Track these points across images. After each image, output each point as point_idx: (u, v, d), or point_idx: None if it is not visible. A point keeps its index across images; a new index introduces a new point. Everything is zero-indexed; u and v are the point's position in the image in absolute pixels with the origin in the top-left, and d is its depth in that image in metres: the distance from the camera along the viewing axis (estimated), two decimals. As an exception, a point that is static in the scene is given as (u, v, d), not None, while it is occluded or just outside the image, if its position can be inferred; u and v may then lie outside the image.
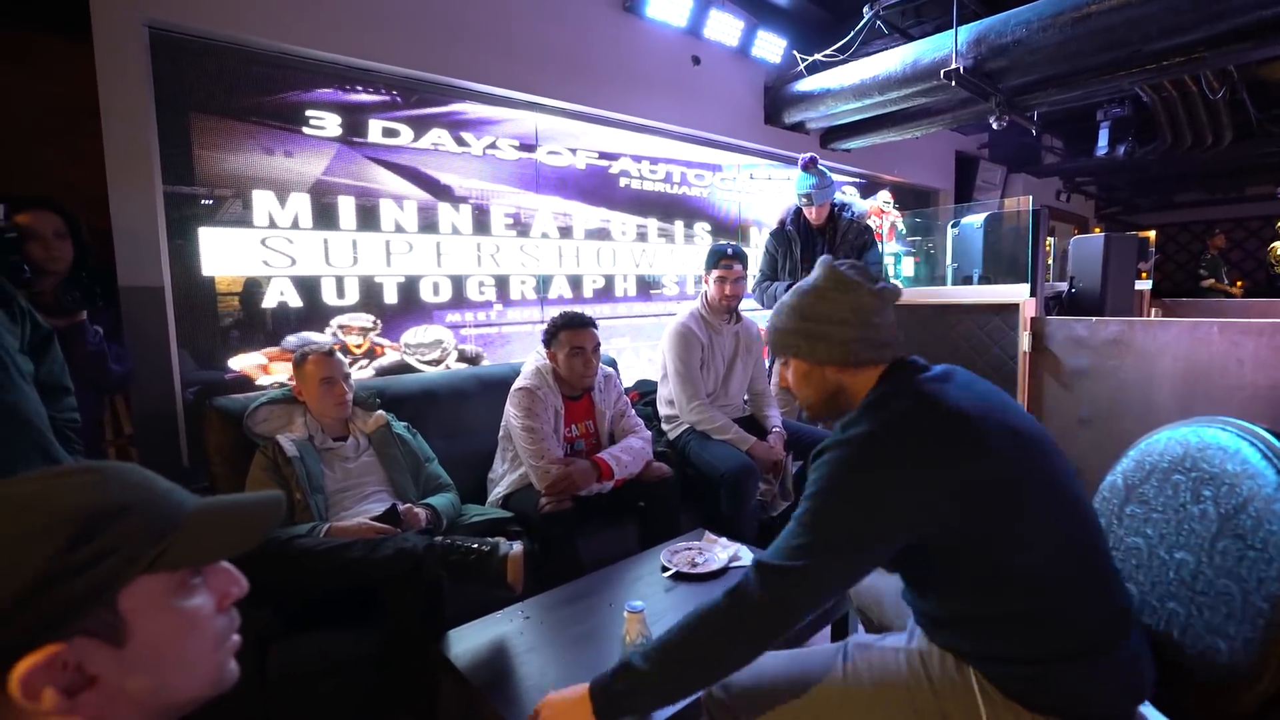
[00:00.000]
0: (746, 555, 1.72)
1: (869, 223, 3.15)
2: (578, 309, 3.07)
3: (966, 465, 0.84)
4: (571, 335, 2.06)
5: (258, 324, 2.23)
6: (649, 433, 2.23)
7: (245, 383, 2.20)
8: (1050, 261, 5.63)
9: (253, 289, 2.21)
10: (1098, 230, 7.98)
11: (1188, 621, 0.86)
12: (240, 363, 2.19)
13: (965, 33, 2.94)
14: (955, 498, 0.83)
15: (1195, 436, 0.94)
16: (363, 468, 1.90)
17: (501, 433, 2.14)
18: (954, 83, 2.99)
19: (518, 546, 1.52)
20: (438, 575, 1.48)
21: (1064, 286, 4.10)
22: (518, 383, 2.07)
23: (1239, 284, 7.07)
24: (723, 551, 1.72)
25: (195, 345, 2.12)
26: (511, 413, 2.02)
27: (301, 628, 1.51)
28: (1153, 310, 4.10)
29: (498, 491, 2.07)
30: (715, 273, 2.45)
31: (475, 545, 1.51)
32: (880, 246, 4.43)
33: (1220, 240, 7.07)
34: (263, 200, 2.21)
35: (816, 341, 1.00)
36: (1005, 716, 0.86)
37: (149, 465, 0.96)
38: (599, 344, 2.12)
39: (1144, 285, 4.29)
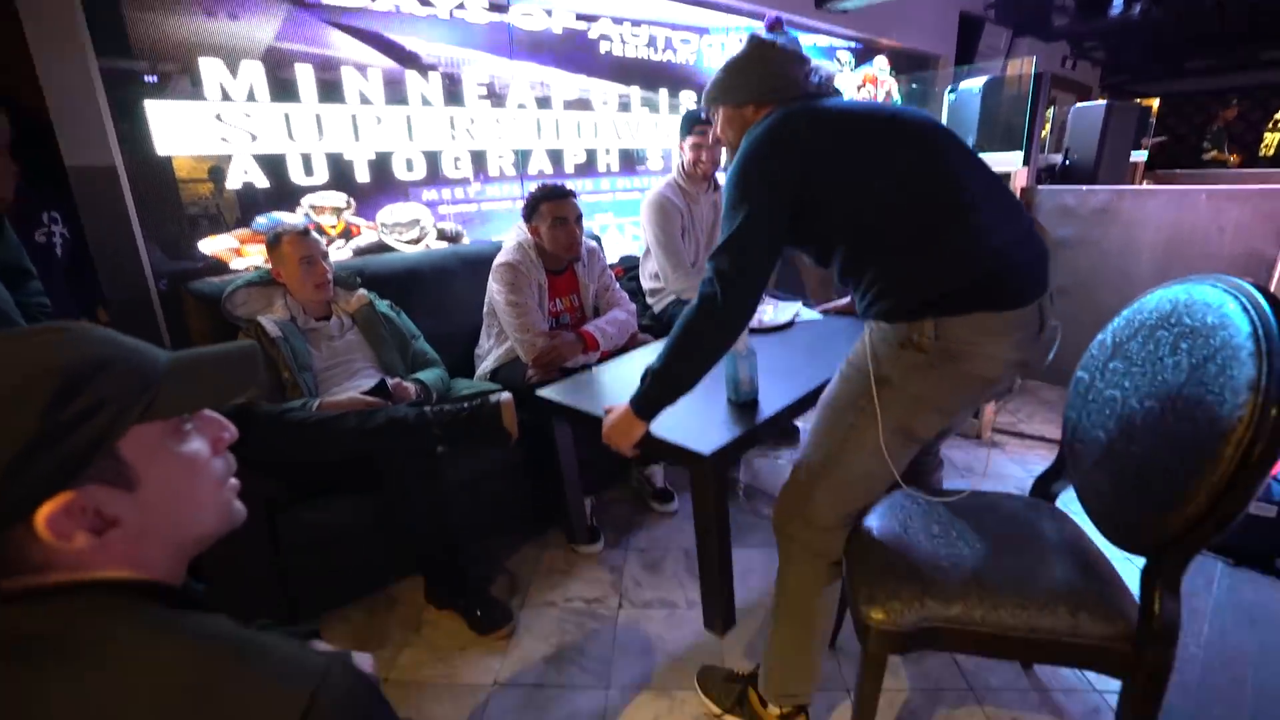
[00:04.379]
0: (807, 312, 2.12)
1: (857, 97, 2.98)
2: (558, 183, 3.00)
3: (830, 131, 1.09)
4: (553, 206, 2.02)
5: (224, 205, 2.14)
6: (633, 306, 2.25)
7: (219, 267, 2.15)
8: (1047, 133, 5.45)
9: (214, 168, 2.10)
10: (1101, 99, 7.65)
11: (1144, 462, 0.93)
12: (211, 246, 2.13)
13: None
14: (821, 153, 1.07)
15: (1185, 293, 0.96)
16: (349, 346, 1.92)
17: (486, 309, 2.15)
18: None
19: (506, 395, 1.59)
20: (432, 441, 1.54)
21: (1058, 159, 4.00)
22: (500, 258, 2.05)
23: (1235, 156, 6.90)
24: (787, 309, 2.06)
25: (160, 230, 2.04)
26: (495, 288, 2.02)
27: (305, 498, 1.59)
28: (1145, 182, 4.04)
29: (485, 366, 2.11)
30: (689, 139, 2.37)
31: (464, 405, 1.57)
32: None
33: (1232, 112, 6.78)
34: (212, 70, 2.04)
35: (732, 89, 1.24)
36: (912, 330, 1.03)
37: None
38: (581, 214, 2.09)
39: (1139, 156, 4.18)
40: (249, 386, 0.60)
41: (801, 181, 1.07)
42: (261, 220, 2.20)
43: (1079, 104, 3.96)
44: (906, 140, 1.09)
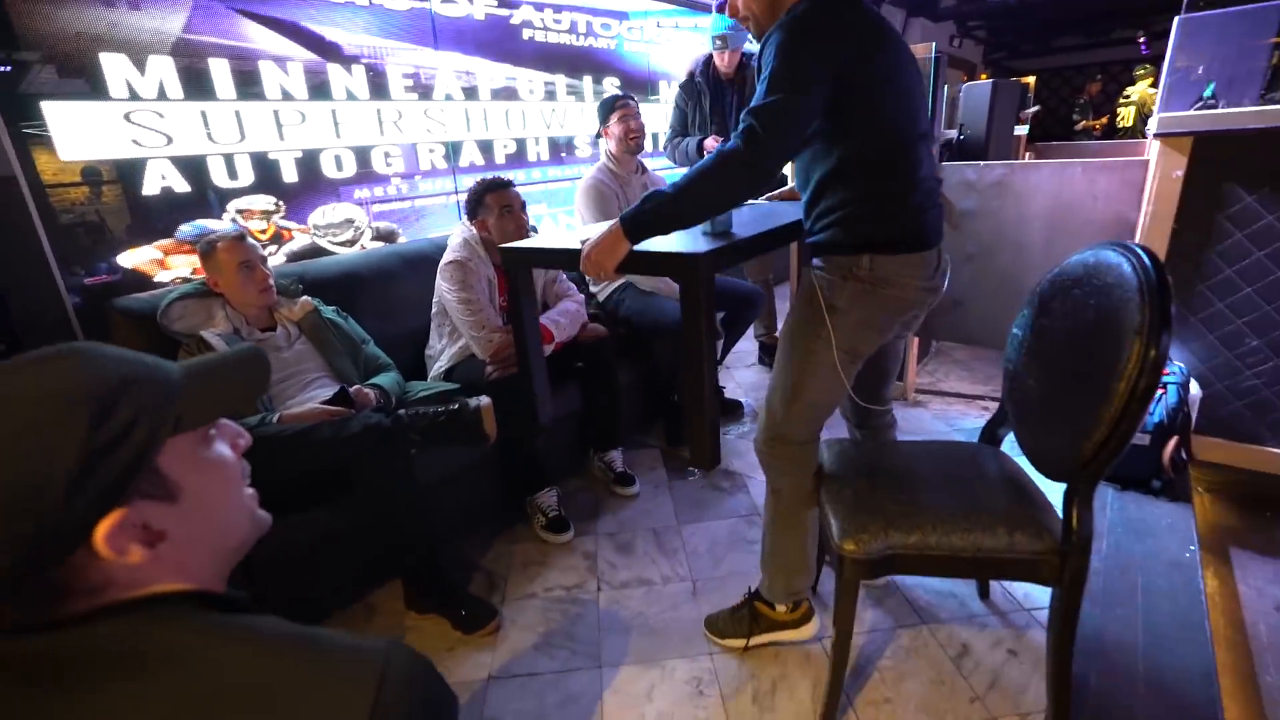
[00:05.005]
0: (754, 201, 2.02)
1: None
2: (490, 175, 2.98)
3: (866, 30, 1.17)
4: (497, 196, 2.04)
5: (107, 211, 1.99)
6: (581, 296, 2.30)
7: (142, 280, 2.03)
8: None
9: (127, 173, 1.97)
10: (984, 76, 8.26)
11: (1063, 401, 1.11)
12: (131, 259, 2.00)
13: None
14: (859, 45, 1.15)
15: (1094, 257, 1.12)
16: (298, 356, 1.86)
17: (435, 309, 2.14)
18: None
19: (485, 399, 1.61)
20: (410, 444, 1.55)
21: (953, 133, 4.33)
22: (446, 257, 2.04)
23: (1099, 123, 7.69)
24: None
25: (72, 244, 1.89)
26: (445, 287, 2.02)
27: (274, 515, 1.56)
28: (1028, 154, 4.44)
29: (439, 366, 2.11)
30: (615, 115, 2.45)
31: (442, 409, 1.58)
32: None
33: (1095, 86, 7.58)
34: (116, 65, 1.90)
35: None
36: (837, 262, 1.25)
37: None
38: (524, 202, 2.12)
39: (1021, 130, 4.60)
40: (262, 390, 0.62)
41: (847, 66, 1.14)
42: (186, 228, 2.09)
43: (967, 83, 4.29)
44: (910, 60, 1.23)
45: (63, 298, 1.88)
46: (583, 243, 1.31)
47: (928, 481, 1.28)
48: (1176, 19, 2.13)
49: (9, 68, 1.74)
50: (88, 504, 0.45)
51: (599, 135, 2.54)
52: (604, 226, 1.29)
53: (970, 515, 1.17)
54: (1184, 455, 1.98)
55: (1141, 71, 6.82)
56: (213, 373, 0.57)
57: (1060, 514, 1.12)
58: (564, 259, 1.52)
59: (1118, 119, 7.09)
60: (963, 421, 2.59)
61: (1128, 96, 6.89)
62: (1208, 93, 2.10)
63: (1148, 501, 1.97)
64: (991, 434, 1.47)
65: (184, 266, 2.08)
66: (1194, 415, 2.04)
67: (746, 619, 1.51)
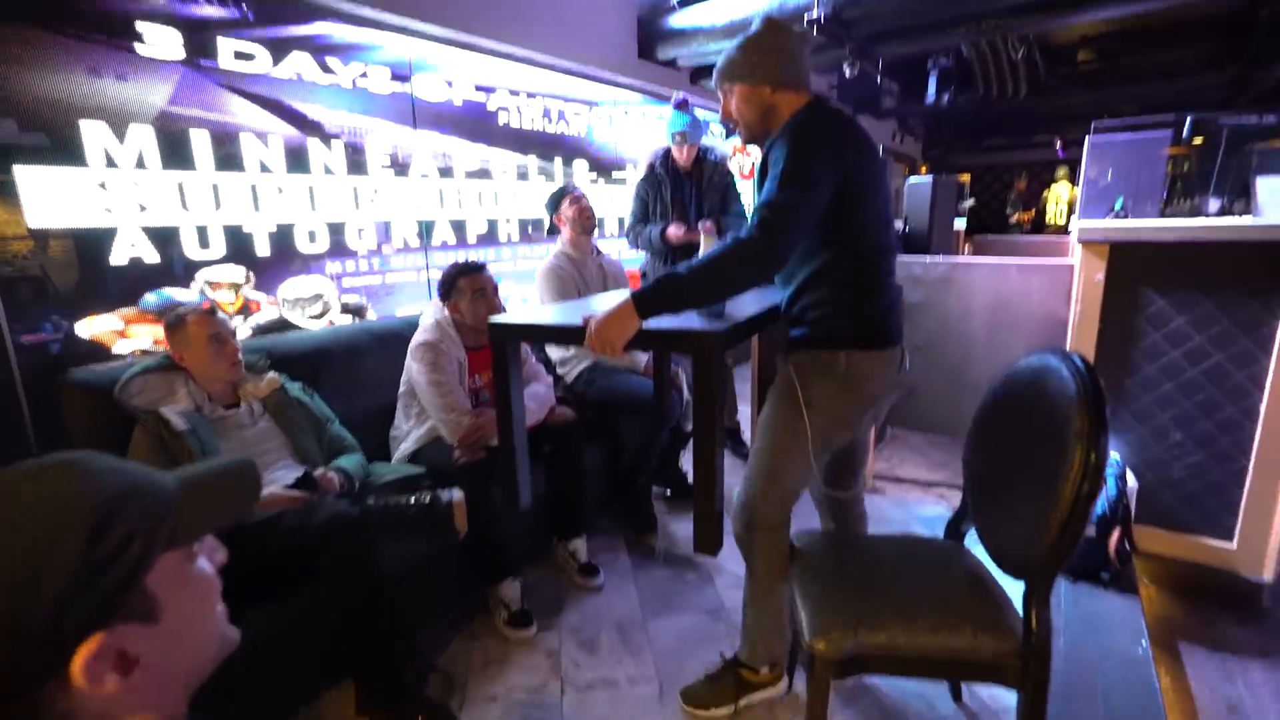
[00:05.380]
0: None
1: (731, 165, 3.34)
2: (461, 255, 3.04)
3: (861, 143, 1.30)
4: (470, 280, 2.08)
5: (107, 282, 1.96)
6: (550, 378, 2.33)
7: (99, 350, 1.96)
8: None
9: (96, 241, 1.93)
10: (924, 170, 8.96)
11: (1018, 500, 1.17)
12: (90, 328, 1.94)
13: (827, -16, 3.13)
14: (855, 156, 1.27)
15: (1040, 361, 1.21)
16: (261, 434, 1.80)
17: (403, 389, 2.13)
18: (815, 30, 3.20)
19: (458, 493, 1.57)
20: (378, 535, 1.50)
21: (899, 224, 4.66)
22: (418, 338, 2.05)
23: (1028, 216, 8.46)
24: None
25: (9, 297, 1.80)
26: (415, 368, 2.02)
27: (232, 606, 1.48)
28: (966, 247, 4.80)
29: (405, 448, 2.08)
30: (565, 201, 2.59)
31: (413, 500, 1.55)
32: (756, 181, 4.70)
33: (1022, 183, 8.40)
34: (95, 133, 1.90)
35: (755, 67, 1.34)
36: (815, 356, 1.36)
37: None
38: (496, 285, 2.16)
39: (960, 223, 4.98)
40: (254, 502, 0.60)
41: (850, 172, 1.25)
42: (151, 298, 2.04)
43: (910, 178, 4.65)
44: (886, 176, 1.36)
45: (12, 369, 1.79)
46: (586, 319, 1.32)
47: (896, 578, 1.32)
48: (1086, 139, 2.41)
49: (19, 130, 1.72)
50: (74, 625, 0.42)
51: (552, 226, 2.65)
52: (610, 302, 1.31)
53: (936, 614, 1.20)
54: (1128, 546, 2.09)
55: (1061, 172, 7.61)
56: (206, 485, 0.55)
57: (1020, 612, 1.17)
58: (564, 335, 1.52)
59: (1048, 215, 7.84)
60: (920, 509, 2.67)
61: (1060, 197, 7.64)
62: (1118, 205, 2.35)
63: (1099, 594, 2.04)
64: (955, 528, 1.53)
65: (145, 337, 2.03)
66: (1133, 506, 2.17)
67: (731, 685, 1.56)
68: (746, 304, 1.64)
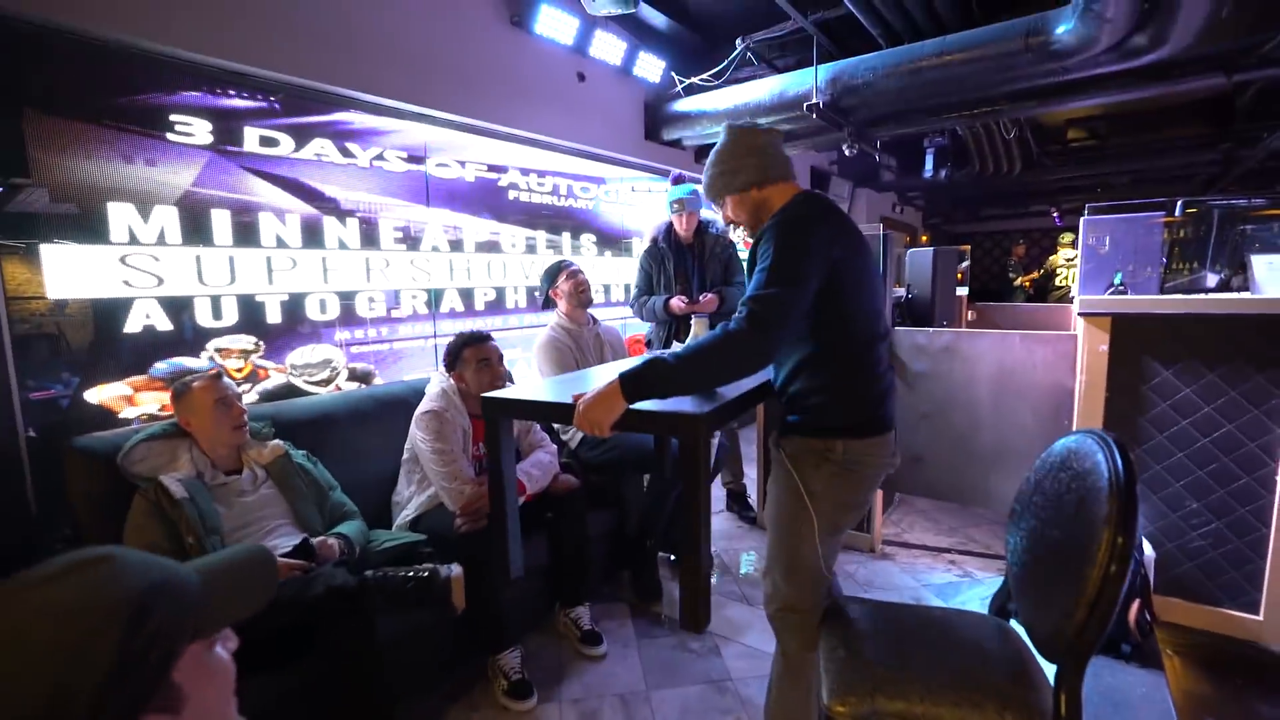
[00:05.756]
0: None
1: (733, 236, 3.42)
2: (469, 322, 3.10)
3: (848, 236, 1.33)
4: (475, 350, 2.11)
5: (119, 350, 2.01)
6: (554, 446, 2.32)
7: (106, 416, 1.99)
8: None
9: (110, 311, 1.99)
10: (925, 239, 9.16)
11: (1051, 581, 1.14)
12: (100, 394, 1.98)
13: (824, 71, 3.31)
14: (842, 250, 1.30)
15: (1076, 442, 1.21)
16: (262, 501, 1.80)
17: (406, 455, 2.13)
18: (814, 115, 3.36)
19: (456, 569, 1.55)
20: (374, 608, 1.47)
21: (901, 292, 4.72)
22: (423, 406, 2.07)
23: (1029, 279, 8.58)
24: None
25: (25, 354, 1.84)
26: (420, 436, 2.02)
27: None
28: (969, 313, 4.83)
29: (406, 514, 2.06)
30: (562, 276, 2.64)
31: (410, 574, 1.52)
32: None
33: (1021, 249, 8.57)
34: (121, 213, 2.00)
35: (735, 174, 1.39)
36: (809, 445, 1.37)
37: None
38: (502, 354, 2.19)
39: (963, 290, 5.04)
40: (273, 592, 0.61)
41: (836, 264, 1.28)
42: (161, 366, 2.09)
43: (912, 249, 4.75)
44: (875, 265, 1.39)
45: (18, 435, 1.82)
46: (575, 398, 1.34)
47: (926, 649, 1.28)
48: (1081, 220, 2.48)
49: (2, 189, 1.80)
50: (112, 716, 0.44)
51: (548, 301, 2.70)
52: (599, 381, 1.33)
53: (961, 689, 1.17)
54: (1148, 617, 2.01)
55: (1066, 238, 7.75)
56: (225, 576, 0.57)
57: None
58: (553, 413, 1.55)
59: (1056, 278, 7.95)
60: (930, 576, 2.59)
61: (1070, 259, 7.74)
62: (1117, 280, 2.38)
63: (1120, 668, 1.96)
64: (1001, 605, 1.48)
65: (153, 403, 2.06)
66: (1151, 576, 2.10)
67: None
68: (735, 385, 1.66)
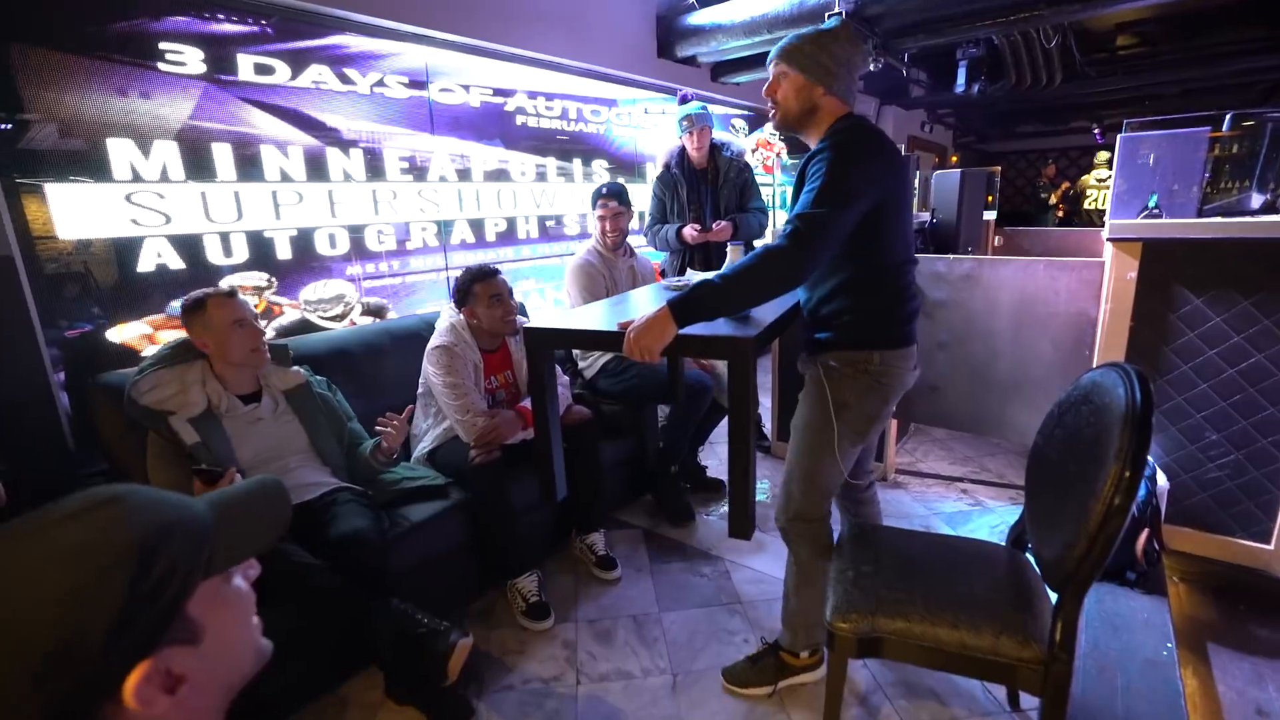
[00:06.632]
0: None
1: (750, 159, 3.29)
2: (480, 254, 3.07)
3: (898, 166, 1.36)
4: (486, 286, 2.09)
5: (134, 290, 2.04)
6: (566, 378, 2.34)
7: (130, 355, 2.03)
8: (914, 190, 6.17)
9: (123, 251, 2.00)
10: (955, 160, 8.73)
11: (1056, 512, 1.16)
12: (121, 334, 2.02)
13: (847, -23, 3.06)
14: (893, 180, 1.34)
15: (1100, 375, 1.19)
16: (281, 432, 1.79)
17: (421, 389, 2.16)
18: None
19: (468, 639, 1.53)
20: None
21: (926, 217, 4.55)
22: (434, 341, 2.08)
23: (1058, 196, 8.21)
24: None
25: (55, 295, 1.88)
26: (431, 371, 2.04)
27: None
28: (996, 238, 4.66)
29: (423, 447, 2.12)
30: (595, 211, 2.56)
31: (424, 622, 1.53)
32: (776, 176, 4.65)
33: (1051, 169, 8.13)
34: (121, 150, 1.97)
35: (820, 66, 1.37)
36: (847, 358, 1.42)
37: (33, 453, 0.94)
38: (511, 289, 2.18)
39: (990, 215, 4.84)
40: (286, 527, 0.62)
41: (886, 191, 1.31)
42: (177, 304, 2.10)
43: (938, 171, 4.53)
44: (909, 187, 1.44)
45: (48, 374, 1.87)
46: (620, 325, 1.37)
47: (934, 574, 1.32)
48: (1120, 136, 2.32)
49: (9, 125, 1.78)
50: (123, 656, 0.46)
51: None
52: (646, 308, 1.36)
53: (960, 612, 1.21)
54: (1156, 546, 2.02)
55: (1101, 157, 7.32)
56: (239, 510, 0.57)
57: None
58: (601, 341, 1.58)
59: (1085, 199, 7.57)
60: (941, 505, 2.62)
61: (1103, 179, 7.35)
62: (1151, 203, 2.25)
63: (1123, 594, 2.00)
64: (1018, 536, 1.50)
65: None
66: (1163, 506, 2.10)
67: (771, 668, 1.65)
68: (768, 308, 1.63)
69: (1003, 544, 1.50)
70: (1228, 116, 2.48)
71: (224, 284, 2.23)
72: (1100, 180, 7.43)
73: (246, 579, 0.60)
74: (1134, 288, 2.16)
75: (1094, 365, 2.26)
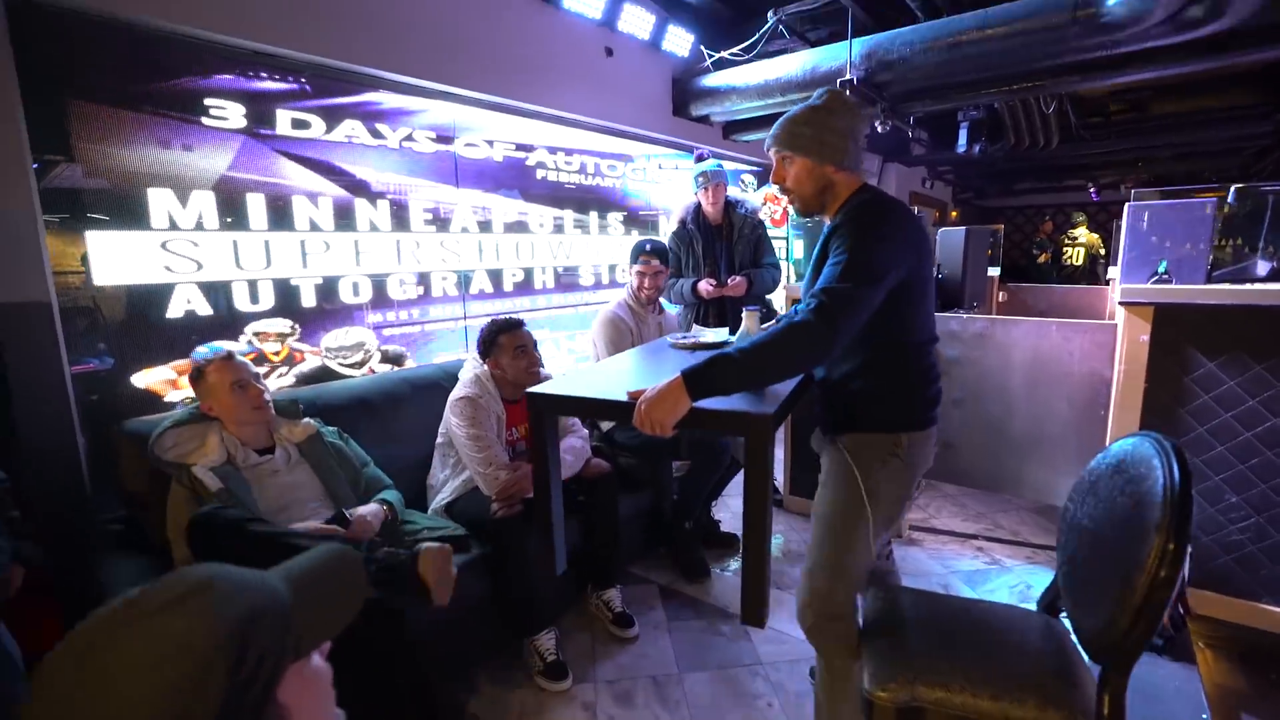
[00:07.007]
0: (729, 335, 2.17)
1: (762, 215, 3.36)
2: (498, 303, 3.11)
3: (922, 238, 1.33)
4: (511, 337, 2.12)
5: (162, 336, 2.06)
6: (585, 431, 2.34)
7: (152, 400, 2.04)
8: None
9: (154, 297, 2.03)
10: (954, 215, 8.94)
11: (1101, 581, 1.14)
12: (145, 379, 2.03)
13: (858, 45, 3.21)
14: (913, 253, 1.30)
15: (1132, 445, 1.20)
16: (298, 481, 1.81)
17: (441, 439, 2.16)
18: (848, 91, 3.26)
19: (434, 545, 1.47)
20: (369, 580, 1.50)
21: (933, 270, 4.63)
22: (457, 392, 2.09)
23: (1045, 257, 8.48)
24: (719, 333, 2.23)
25: (87, 360, 1.92)
26: (455, 422, 2.05)
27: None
28: (1000, 294, 4.73)
29: (441, 498, 2.10)
30: (635, 267, 2.62)
31: (399, 552, 1.49)
32: (786, 230, 4.75)
33: (1048, 225, 8.40)
34: (161, 199, 2.02)
35: (823, 145, 1.35)
36: (875, 441, 1.39)
37: (50, 499, 0.94)
38: (536, 341, 2.20)
39: (994, 270, 4.93)
40: (361, 600, 0.61)
41: (909, 269, 1.28)
42: (203, 350, 2.11)
43: (943, 228, 4.64)
44: (932, 259, 1.42)
45: (73, 421, 1.87)
46: (630, 395, 1.30)
47: (970, 641, 1.31)
48: (1127, 205, 2.40)
49: (57, 175, 1.83)
50: None
51: (630, 272, 2.70)
52: (659, 379, 1.27)
53: (1001, 682, 1.19)
54: (1181, 611, 2.00)
55: (1080, 218, 7.77)
56: (315, 588, 0.57)
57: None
58: (609, 411, 1.52)
59: (1064, 257, 7.94)
60: (957, 563, 2.60)
61: (1075, 238, 7.78)
62: (1161, 268, 2.31)
63: (1153, 660, 1.96)
64: (1050, 602, 1.48)
65: (195, 388, 2.11)
66: (1186, 570, 2.08)
67: None
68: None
69: (1034, 609, 1.49)
70: (1232, 190, 2.57)
71: (249, 330, 2.26)
72: (1072, 239, 7.84)
73: (322, 654, 0.59)
74: (1147, 350, 2.19)
75: (1109, 425, 2.29)
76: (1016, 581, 2.45)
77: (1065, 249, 8.00)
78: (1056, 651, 1.30)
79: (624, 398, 1.34)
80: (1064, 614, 1.45)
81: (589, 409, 1.63)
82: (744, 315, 1.81)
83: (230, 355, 1.78)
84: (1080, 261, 7.85)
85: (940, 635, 1.33)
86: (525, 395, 1.57)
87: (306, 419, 1.92)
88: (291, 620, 0.53)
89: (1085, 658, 1.26)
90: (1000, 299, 4.74)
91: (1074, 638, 1.31)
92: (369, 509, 1.79)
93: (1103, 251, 8.02)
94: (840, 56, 3.27)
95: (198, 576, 0.50)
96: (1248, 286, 2.14)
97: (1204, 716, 1.74)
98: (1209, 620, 2.17)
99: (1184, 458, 1.08)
